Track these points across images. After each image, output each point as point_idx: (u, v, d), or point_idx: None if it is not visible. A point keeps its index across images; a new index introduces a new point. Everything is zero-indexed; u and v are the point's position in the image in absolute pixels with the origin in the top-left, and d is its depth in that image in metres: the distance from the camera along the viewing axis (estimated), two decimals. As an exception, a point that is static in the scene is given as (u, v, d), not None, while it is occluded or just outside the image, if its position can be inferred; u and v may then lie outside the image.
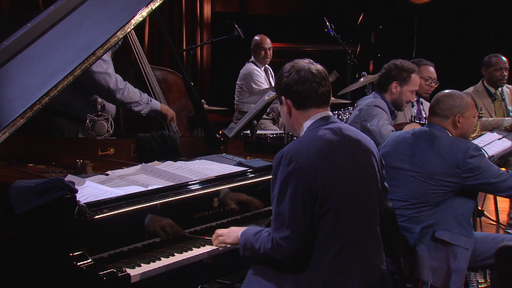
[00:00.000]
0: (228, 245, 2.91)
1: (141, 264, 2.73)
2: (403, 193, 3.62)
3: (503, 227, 5.93)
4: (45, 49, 3.36)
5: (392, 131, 4.39)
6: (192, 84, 3.87)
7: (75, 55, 3.23)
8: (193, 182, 3.13)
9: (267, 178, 3.36)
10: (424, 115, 5.58)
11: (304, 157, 2.61)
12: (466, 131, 3.70)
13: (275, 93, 4.49)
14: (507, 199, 6.00)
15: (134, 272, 2.66)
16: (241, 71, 6.98)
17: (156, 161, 3.51)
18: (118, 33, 3.31)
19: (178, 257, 2.84)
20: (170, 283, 2.83)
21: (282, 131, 5.79)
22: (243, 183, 3.30)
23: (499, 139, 4.55)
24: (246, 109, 6.70)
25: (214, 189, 3.15)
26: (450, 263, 3.50)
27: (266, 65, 7.05)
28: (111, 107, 4.41)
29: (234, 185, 3.25)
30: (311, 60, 2.83)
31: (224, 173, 3.31)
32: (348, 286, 2.67)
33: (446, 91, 3.76)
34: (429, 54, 9.59)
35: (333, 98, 6.78)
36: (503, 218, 6.27)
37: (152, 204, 2.89)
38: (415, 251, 3.54)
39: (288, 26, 10.67)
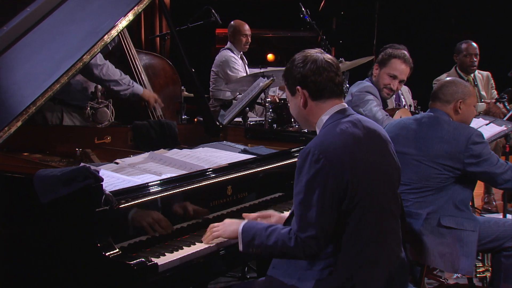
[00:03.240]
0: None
1: (165, 253, 2.74)
2: (406, 177, 3.66)
3: (478, 211, 6.09)
4: (49, 35, 3.33)
5: (387, 115, 4.47)
6: (193, 70, 3.85)
7: (83, 41, 3.21)
8: (208, 170, 3.14)
9: (279, 165, 3.44)
10: (403, 101, 5.70)
11: (331, 153, 2.60)
12: (466, 118, 3.80)
13: (265, 79, 4.53)
14: (481, 183, 6.16)
15: (160, 261, 2.66)
16: (216, 57, 6.95)
17: (162, 149, 3.50)
18: (125, 18, 3.29)
19: (199, 246, 2.86)
20: (192, 272, 2.84)
21: (262, 118, 5.85)
22: (257, 170, 3.34)
23: (486, 124, 4.67)
24: (222, 97, 6.70)
25: (229, 177, 3.17)
26: (459, 248, 3.58)
27: (242, 53, 7.04)
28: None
29: (248, 172, 3.28)
30: (321, 50, 2.84)
31: (235, 161, 3.32)
32: (374, 279, 2.71)
33: (449, 78, 3.88)
34: (390, 40, 9.70)
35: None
36: (478, 202, 6.47)
37: (174, 193, 2.90)
38: (422, 237, 3.62)
39: (248, 11, 10.66)
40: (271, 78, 4.34)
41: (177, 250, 2.79)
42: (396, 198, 2.85)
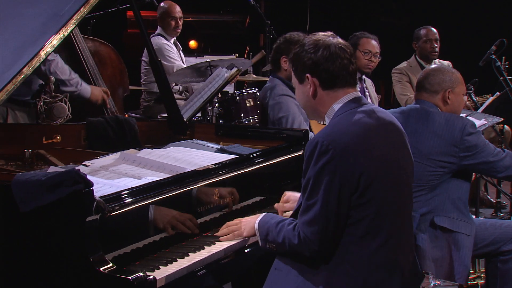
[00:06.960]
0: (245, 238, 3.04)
1: (160, 267, 2.73)
2: None
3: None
4: (3, 18, 3.24)
5: None
6: (160, 60, 3.85)
7: (45, 26, 3.16)
8: (193, 173, 3.14)
9: (266, 165, 3.52)
10: (367, 93, 5.85)
11: (342, 144, 2.66)
12: (456, 108, 3.93)
13: (225, 69, 4.53)
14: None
15: (157, 275, 2.64)
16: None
17: (132, 149, 3.48)
18: (92, 1, 3.25)
19: (194, 257, 2.87)
20: (189, 286, 2.85)
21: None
22: (251, 169, 3.43)
23: (463, 118, 4.84)
24: (156, 89, 6.62)
25: (218, 179, 3.21)
26: (453, 252, 3.71)
27: (175, 38, 6.98)
28: None
29: (241, 172, 3.36)
30: (333, 33, 2.89)
31: (218, 161, 3.34)
32: (390, 283, 2.76)
33: (435, 65, 3.98)
34: (324, 25, 9.83)
35: (254, 76, 6.93)
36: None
37: (166, 197, 2.91)
38: (415, 241, 3.71)
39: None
40: (237, 68, 4.35)
41: (171, 263, 2.79)
42: (411, 194, 2.93)
